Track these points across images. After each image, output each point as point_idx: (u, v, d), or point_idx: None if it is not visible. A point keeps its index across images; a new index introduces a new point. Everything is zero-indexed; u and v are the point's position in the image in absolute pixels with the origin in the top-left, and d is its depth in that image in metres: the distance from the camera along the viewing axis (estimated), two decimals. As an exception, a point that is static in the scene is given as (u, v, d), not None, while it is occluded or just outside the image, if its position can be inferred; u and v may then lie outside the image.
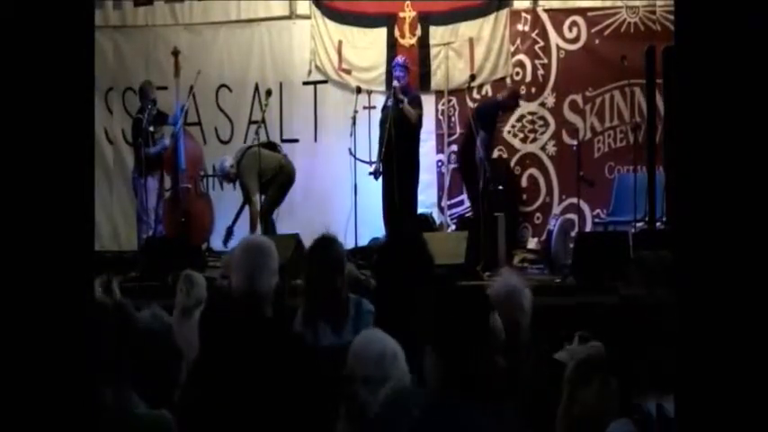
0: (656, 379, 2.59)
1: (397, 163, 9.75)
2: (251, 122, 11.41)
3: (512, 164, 10.90)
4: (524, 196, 10.87)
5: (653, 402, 2.57)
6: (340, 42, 11.36)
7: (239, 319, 3.73)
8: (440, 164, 11.06)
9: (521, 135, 10.89)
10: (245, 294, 3.67)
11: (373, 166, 10.08)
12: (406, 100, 9.89)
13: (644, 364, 2.62)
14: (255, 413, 3.33)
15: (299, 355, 3.50)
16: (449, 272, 8.00)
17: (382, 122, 10.00)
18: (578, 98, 10.66)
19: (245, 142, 11.41)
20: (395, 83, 10.04)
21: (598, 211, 10.39)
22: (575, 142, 10.06)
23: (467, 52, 10.93)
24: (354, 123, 10.06)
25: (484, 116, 9.95)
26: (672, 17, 8.94)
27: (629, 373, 2.71)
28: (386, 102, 10.17)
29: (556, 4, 10.80)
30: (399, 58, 10.40)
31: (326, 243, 4.40)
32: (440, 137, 10.89)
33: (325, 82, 11.44)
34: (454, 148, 10.76)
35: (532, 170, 10.88)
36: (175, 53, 10.83)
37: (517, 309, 3.77)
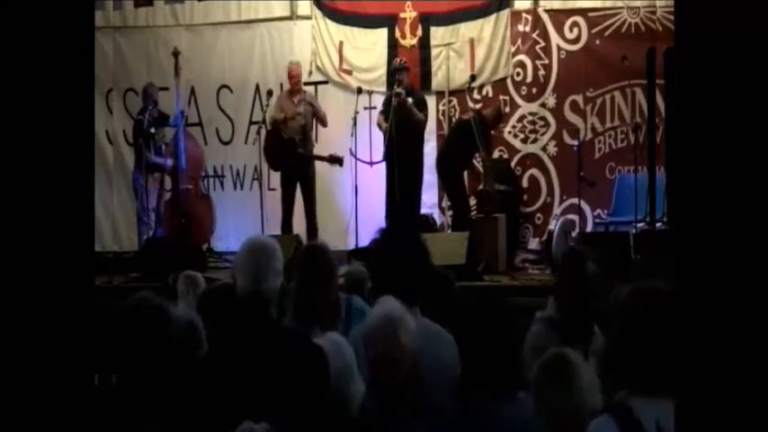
0: (643, 379, 2.57)
1: (398, 163, 9.76)
2: (252, 123, 11.42)
3: (512, 164, 10.90)
4: (525, 197, 10.87)
5: (636, 401, 2.55)
6: (341, 43, 11.36)
7: (245, 320, 3.72)
8: (441, 164, 11.04)
9: (521, 135, 10.89)
10: (250, 295, 3.66)
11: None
12: (411, 100, 9.91)
13: (630, 362, 2.60)
14: (262, 415, 3.32)
15: (306, 355, 3.48)
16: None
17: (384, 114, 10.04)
18: (579, 98, 10.65)
19: (245, 143, 11.43)
20: (396, 86, 10.04)
21: (599, 211, 10.39)
22: (575, 143, 10.06)
23: (467, 53, 10.93)
24: (355, 124, 10.06)
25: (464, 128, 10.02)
26: (673, 17, 8.93)
27: (616, 370, 2.70)
28: (389, 99, 10.16)
29: (557, 5, 10.80)
30: (397, 61, 10.45)
31: (315, 252, 4.40)
32: (440, 137, 10.88)
33: (326, 82, 11.45)
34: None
35: (533, 170, 10.87)
36: (176, 54, 10.84)
37: (392, 342, 3.19)
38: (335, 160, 10.13)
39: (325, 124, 10.58)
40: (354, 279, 5.50)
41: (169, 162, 10.54)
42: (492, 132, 10.29)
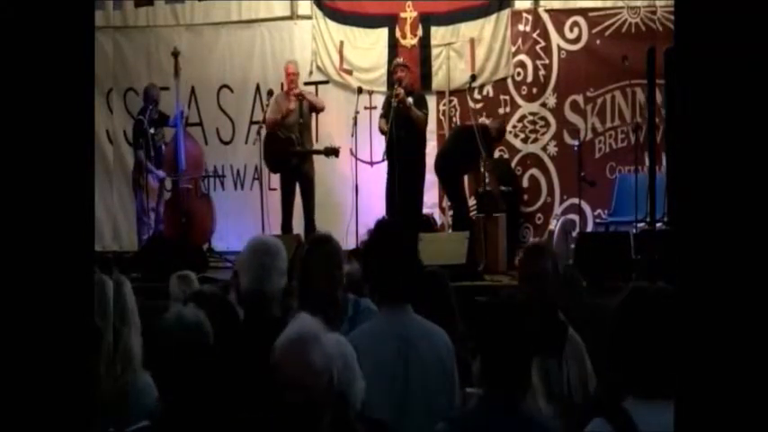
0: (641, 381, 2.54)
1: (399, 163, 9.76)
2: (252, 123, 11.42)
3: (513, 164, 10.90)
4: (525, 196, 10.87)
5: (633, 404, 2.53)
6: (341, 43, 11.37)
7: (248, 319, 3.71)
8: (441, 164, 11.03)
9: (522, 135, 10.89)
10: (253, 294, 3.66)
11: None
12: (411, 100, 9.90)
13: (628, 364, 2.58)
14: (263, 414, 3.32)
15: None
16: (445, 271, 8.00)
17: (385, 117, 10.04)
18: (579, 98, 10.66)
19: (246, 143, 11.44)
20: (397, 85, 10.05)
21: (599, 211, 10.39)
22: (576, 142, 10.06)
23: (468, 53, 10.93)
24: (356, 124, 10.06)
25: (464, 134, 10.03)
26: (673, 17, 8.94)
27: (612, 372, 2.69)
28: (389, 100, 10.16)
29: (557, 5, 10.80)
30: (398, 60, 10.47)
31: (323, 240, 4.35)
32: (441, 137, 10.88)
33: (326, 82, 11.45)
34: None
35: (534, 170, 10.87)
36: (175, 54, 10.85)
37: (302, 365, 2.81)
38: (331, 152, 10.15)
39: (322, 108, 10.60)
40: (354, 279, 5.49)
41: (161, 174, 10.58)
42: (494, 144, 10.34)
